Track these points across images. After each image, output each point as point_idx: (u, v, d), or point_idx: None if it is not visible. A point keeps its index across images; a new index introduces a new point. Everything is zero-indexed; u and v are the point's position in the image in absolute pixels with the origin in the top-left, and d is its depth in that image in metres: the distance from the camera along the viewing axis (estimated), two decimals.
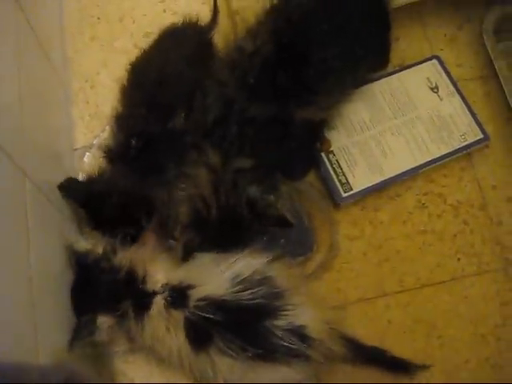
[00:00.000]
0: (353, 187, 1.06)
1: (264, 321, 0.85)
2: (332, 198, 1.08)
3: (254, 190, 0.91)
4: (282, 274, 0.91)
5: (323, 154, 1.08)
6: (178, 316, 0.86)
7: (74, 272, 0.93)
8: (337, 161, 1.07)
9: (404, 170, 1.07)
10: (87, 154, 1.10)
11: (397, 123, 1.11)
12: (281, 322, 0.85)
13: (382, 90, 1.13)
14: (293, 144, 0.95)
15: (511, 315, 1.05)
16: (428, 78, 1.14)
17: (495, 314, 1.05)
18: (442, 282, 1.07)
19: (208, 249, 0.93)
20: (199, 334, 0.85)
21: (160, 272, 0.90)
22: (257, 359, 0.85)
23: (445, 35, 1.23)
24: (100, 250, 0.93)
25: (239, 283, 0.87)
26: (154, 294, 0.88)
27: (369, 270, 1.07)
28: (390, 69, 1.16)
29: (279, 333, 0.84)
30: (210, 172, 0.92)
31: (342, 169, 1.07)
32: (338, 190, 1.06)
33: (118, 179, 0.95)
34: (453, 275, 1.07)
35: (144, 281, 0.89)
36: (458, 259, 1.08)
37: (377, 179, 1.07)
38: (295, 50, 0.93)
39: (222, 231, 0.92)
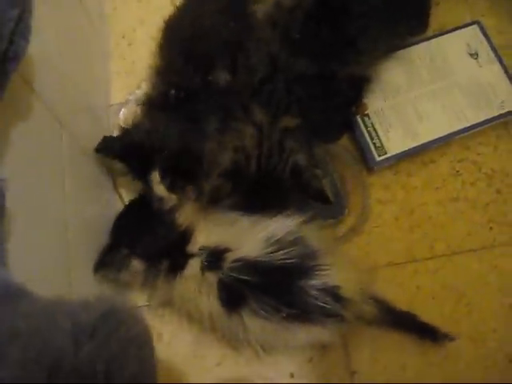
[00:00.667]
0: (387, 151, 1.05)
1: (298, 280, 0.85)
2: (366, 161, 1.07)
3: (301, 159, 0.91)
4: (314, 234, 0.91)
5: (358, 117, 1.07)
6: (212, 278, 0.86)
7: (133, 205, 0.96)
8: (372, 124, 1.06)
9: (439, 135, 1.06)
10: (123, 110, 1.10)
11: (434, 88, 1.09)
12: (315, 282, 0.85)
13: (421, 54, 1.11)
14: (338, 101, 0.95)
15: None
16: (468, 44, 1.12)
17: None
18: (472, 250, 1.06)
19: (240, 204, 0.93)
20: (232, 296, 0.86)
21: (201, 233, 0.91)
22: (290, 319, 0.85)
23: (486, 1, 1.20)
24: (170, 202, 0.95)
25: (273, 244, 0.87)
26: (192, 255, 0.89)
27: (399, 235, 1.06)
28: (429, 33, 1.13)
29: (314, 292, 0.84)
30: (256, 129, 0.92)
31: (376, 132, 1.06)
32: (372, 154, 1.05)
33: (157, 128, 0.95)
34: (483, 244, 1.06)
35: (188, 242, 0.90)
36: (490, 228, 1.07)
37: (412, 144, 1.06)
38: (335, 2, 0.91)
39: (257, 187, 0.92)
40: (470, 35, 1.13)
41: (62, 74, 0.87)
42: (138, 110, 1.07)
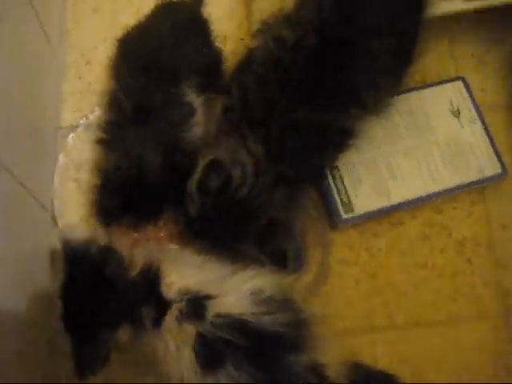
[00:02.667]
0: (354, 209, 0.97)
1: (288, 354, 0.75)
2: (330, 216, 0.99)
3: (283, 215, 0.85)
4: (302, 297, 0.84)
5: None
6: (191, 330, 0.75)
7: (67, 271, 0.79)
8: (341, 177, 0.99)
9: (412, 197, 0.99)
10: (72, 134, 1.01)
11: (410, 145, 1.02)
12: (303, 358, 0.75)
13: (400, 106, 1.03)
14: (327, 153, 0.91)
15: (504, 368, 0.97)
16: (450, 100, 1.05)
17: (488, 365, 0.97)
18: (435, 322, 0.99)
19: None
20: (211, 354, 0.75)
21: (174, 274, 0.79)
22: None
23: (472, 56, 1.15)
24: (102, 239, 0.83)
25: (261, 303, 0.77)
26: (171, 301, 0.77)
27: (358, 300, 0.99)
28: (410, 84, 1.05)
29: (299, 369, 0.75)
30: (253, 157, 0.84)
31: (345, 187, 0.98)
32: (339, 210, 0.97)
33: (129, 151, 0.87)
34: (448, 316, 0.99)
35: (159, 282, 0.78)
36: (456, 300, 1.00)
37: (382, 203, 0.98)
38: (342, 44, 0.84)
39: (222, 211, 0.84)
40: (454, 91, 1.06)
41: (3, 94, 0.77)
42: (88, 136, 0.98)
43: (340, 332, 0.97)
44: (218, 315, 0.76)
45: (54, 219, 0.97)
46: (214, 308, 0.76)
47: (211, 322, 0.75)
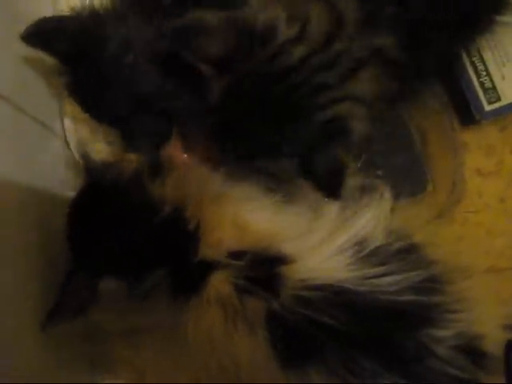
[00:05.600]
0: (501, 96, 0.69)
1: (417, 329, 0.51)
2: (465, 110, 0.71)
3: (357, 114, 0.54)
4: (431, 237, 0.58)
5: None
6: (256, 309, 0.51)
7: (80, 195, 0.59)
8: (479, 52, 0.70)
9: None
10: None
11: None
12: (445, 333, 0.51)
13: None
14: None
15: None
16: None
17: None
18: None
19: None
20: (294, 343, 0.51)
21: (226, 225, 0.54)
22: None
23: None
24: (131, 163, 0.60)
25: (370, 258, 0.52)
26: (213, 264, 0.53)
27: (506, 226, 0.75)
28: None
29: (443, 351, 0.51)
30: (332, 11, 0.53)
31: (486, 66, 0.69)
32: (479, 101, 0.69)
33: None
34: None
35: (198, 236, 0.54)
36: None
37: None
38: None
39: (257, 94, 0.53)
40: None
41: None
42: None
43: (482, 271, 0.69)
44: (302, 287, 0.51)
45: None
46: (294, 276, 0.52)
47: (291, 296, 0.51)
